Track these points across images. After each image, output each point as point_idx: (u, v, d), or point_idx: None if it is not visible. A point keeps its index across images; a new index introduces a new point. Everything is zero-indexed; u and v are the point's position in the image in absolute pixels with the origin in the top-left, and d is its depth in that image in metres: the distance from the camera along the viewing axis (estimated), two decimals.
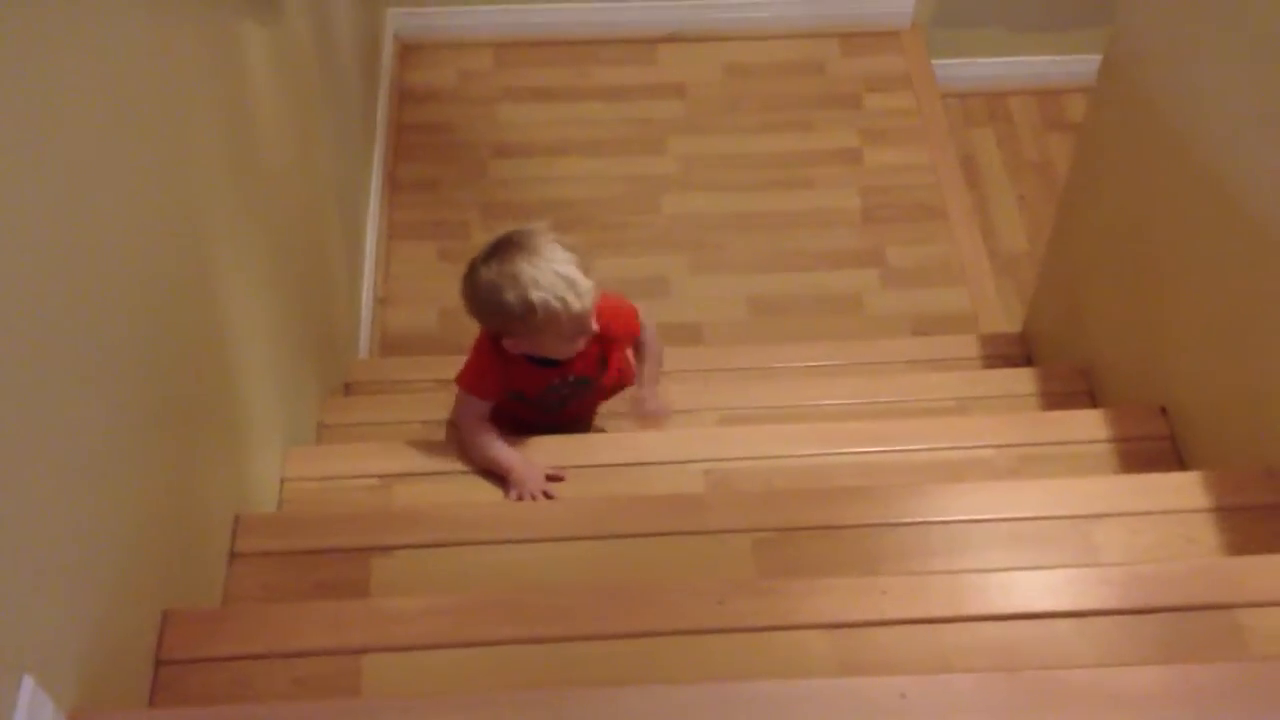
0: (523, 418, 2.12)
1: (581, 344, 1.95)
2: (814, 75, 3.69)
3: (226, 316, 1.73)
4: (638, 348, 2.21)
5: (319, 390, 2.35)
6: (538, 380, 2.03)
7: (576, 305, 1.83)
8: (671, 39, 3.74)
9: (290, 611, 1.51)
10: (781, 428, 2.24)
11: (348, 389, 2.61)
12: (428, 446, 2.16)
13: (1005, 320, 3.10)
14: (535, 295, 1.81)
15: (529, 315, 1.83)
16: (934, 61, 3.73)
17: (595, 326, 1.92)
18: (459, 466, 2.03)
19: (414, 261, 3.22)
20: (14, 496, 1.07)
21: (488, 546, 1.71)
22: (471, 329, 2.04)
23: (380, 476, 2.01)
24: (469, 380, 2.02)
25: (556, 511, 1.81)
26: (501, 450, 1.99)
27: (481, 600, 1.51)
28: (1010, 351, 2.71)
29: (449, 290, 3.06)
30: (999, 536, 1.73)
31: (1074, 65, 3.53)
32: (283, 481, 2.00)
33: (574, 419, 2.22)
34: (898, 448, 2.07)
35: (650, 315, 2.21)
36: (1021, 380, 2.42)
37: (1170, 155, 1.98)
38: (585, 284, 1.84)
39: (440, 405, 2.31)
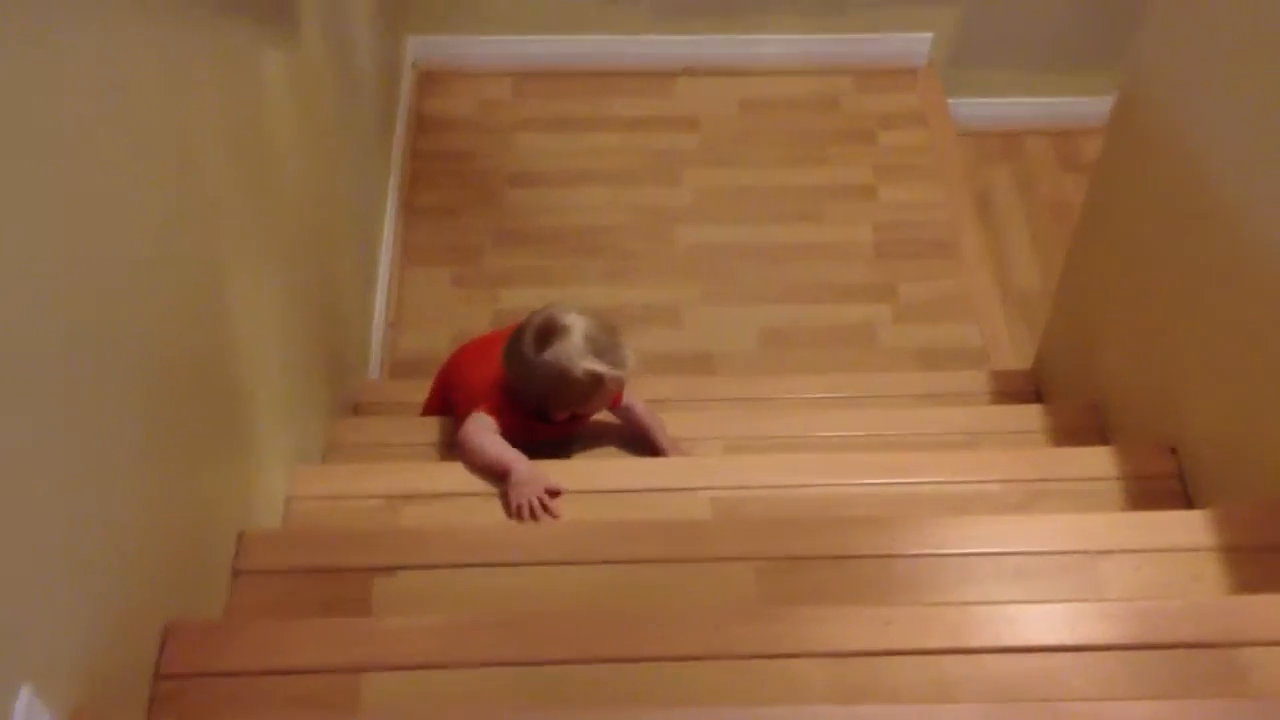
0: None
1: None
2: (829, 111, 3.71)
3: (236, 335, 1.74)
4: (633, 424, 2.29)
5: (328, 410, 2.36)
6: (533, 434, 2.17)
7: (630, 367, 2.11)
8: (688, 73, 3.76)
9: (290, 628, 1.51)
10: (789, 457, 2.23)
11: (357, 409, 2.61)
12: (434, 468, 2.18)
13: (1016, 357, 3.10)
14: (600, 369, 2.06)
15: (596, 385, 2.08)
16: (950, 100, 3.75)
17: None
18: (465, 488, 2.03)
19: (427, 286, 3.24)
20: (16, 505, 1.07)
21: (490, 569, 1.71)
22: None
23: (386, 497, 2.01)
24: (475, 401, 2.16)
25: (560, 535, 1.81)
26: (506, 450, 2.05)
27: (480, 621, 1.51)
28: (1020, 388, 2.70)
29: (461, 315, 3.12)
30: (1004, 570, 1.72)
31: (1090, 106, 3.54)
32: (289, 500, 2.00)
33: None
34: (906, 480, 2.07)
35: (639, 392, 2.32)
36: (1031, 416, 2.41)
37: (1182, 193, 1.99)
38: (624, 346, 2.11)
39: (448, 428, 2.32)
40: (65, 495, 1.17)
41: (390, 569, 1.71)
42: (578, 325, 2.08)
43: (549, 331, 2.08)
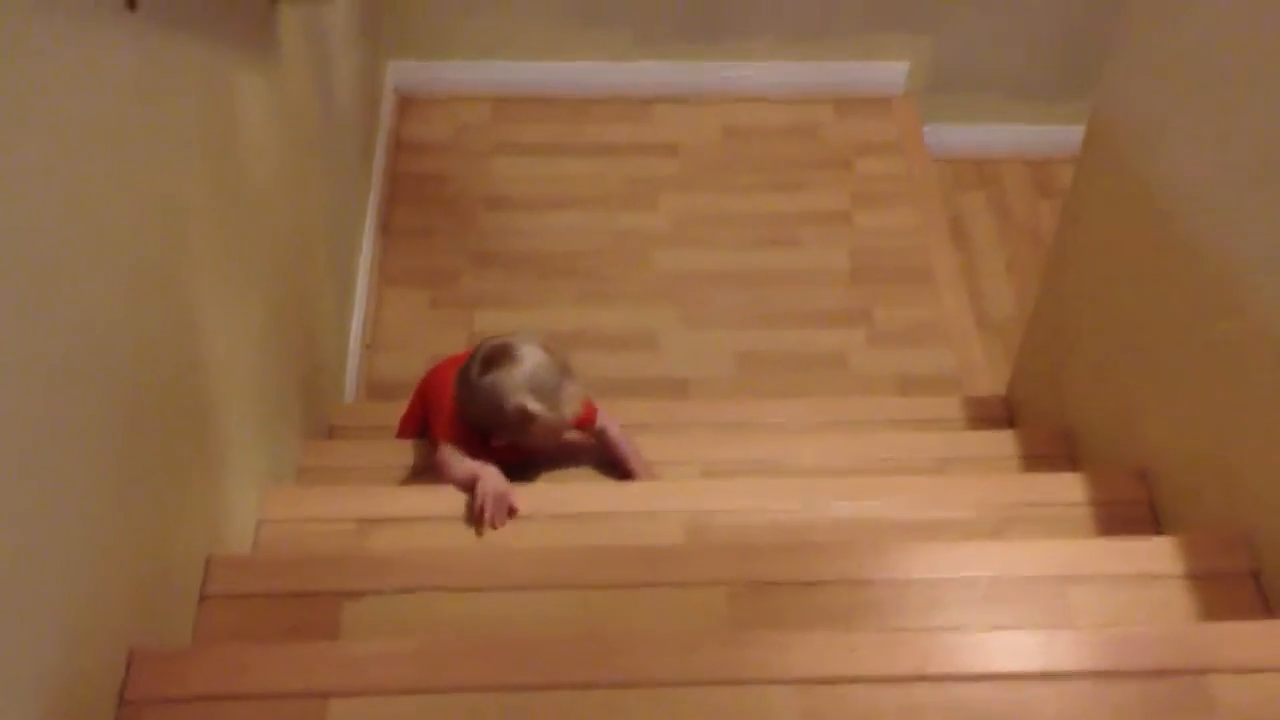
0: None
1: (561, 439, 2.18)
2: (807, 138, 3.73)
3: (207, 357, 1.73)
4: (607, 445, 2.29)
5: (302, 433, 2.35)
6: (507, 455, 2.16)
7: (566, 413, 2.11)
8: (667, 99, 3.78)
9: (255, 653, 1.50)
10: (762, 482, 2.24)
11: (332, 432, 2.61)
12: (406, 492, 2.18)
13: (990, 383, 3.11)
14: (531, 406, 2.07)
15: (525, 422, 2.09)
16: (926, 126, 3.78)
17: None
18: (437, 512, 2.03)
19: (404, 309, 3.23)
20: None
21: (460, 594, 1.71)
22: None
23: (357, 520, 2.00)
24: (448, 436, 2.17)
25: (530, 559, 1.80)
26: (472, 463, 2.07)
27: (448, 647, 1.50)
28: (994, 414, 2.71)
29: (437, 338, 3.12)
30: (973, 596, 1.72)
31: (1065, 134, 3.53)
32: (259, 523, 1.99)
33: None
34: (877, 505, 2.07)
35: (614, 416, 2.32)
36: (1003, 442, 2.42)
37: (1149, 224, 2.00)
38: (572, 390, 2.11)
39: (420, 450, 2.32)
40: (23, 518, 1.16)
41: (359, 593, 1.70)
42: (527, 359, 2.08)
43: (496, 358, 2.09)
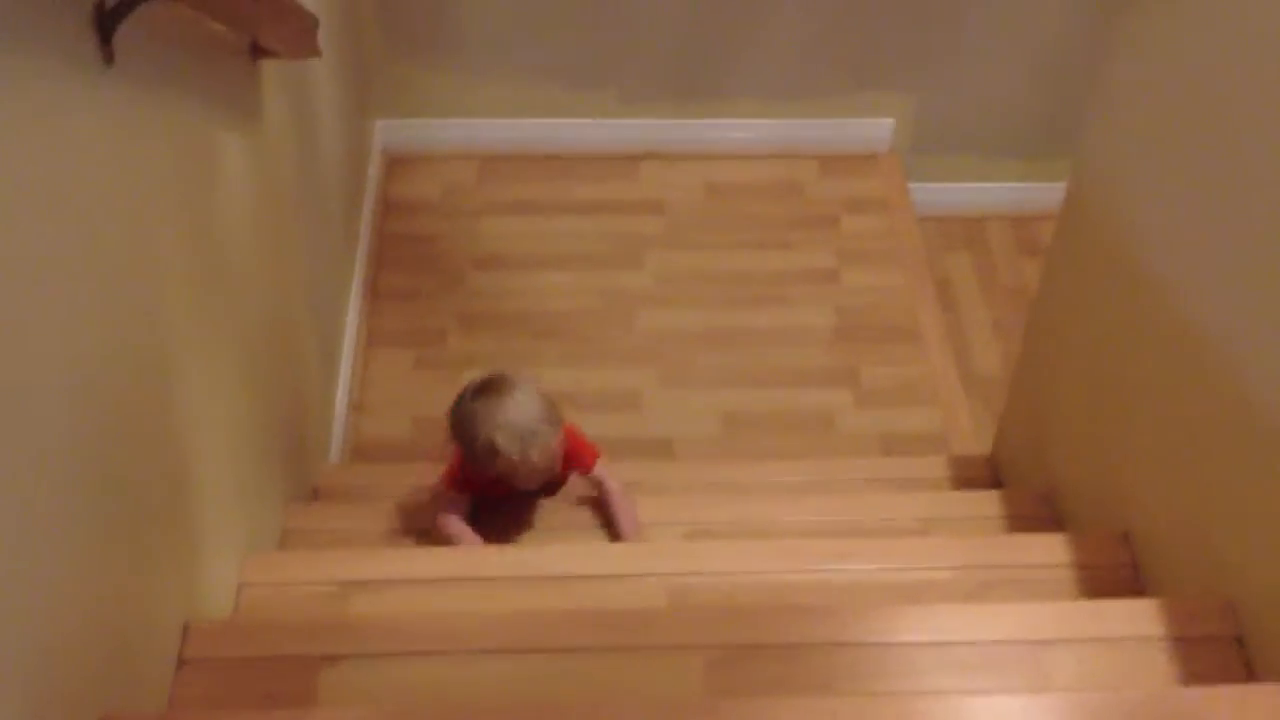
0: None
1: (535, 482, 2.23)
2: (793, 196, 3.75)
3: (185, 422, 1.73)
4: (605, 496, 2.33)
5: (285, 495, 2.35)
6: (503, 492, 2.28)
7: (532, 457, 2.14)
8: (652, 156, 3.80)
9: None
10: (745, 544, 2.24)
11: (316, 494, 2.60)
12: (390, 555, 2.17)
13: (976, 442, 3.11)
14: (499, 442, 2.12)
15: (489, 457, 2.14)
16: (911, 185, 3.80)
17: (557, 468, 2.24)
18: (420, 575, 2.03)
19: (391, 369, 3.24)
20: None
21: (436, 657, 1.70)
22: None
23: (340, 583, 2.00)
24: (449, 480, 2.28)
25: (509, 624, 1.79)
26: (463, 533, 2.23)
27: (422, 713, 1.50)
28: (978, 474, 2.72)
29: (424, 398, 3.12)
30: (952, 660, 1.72)
31: (1049, 193, 3.53)
32: (241, 586, 1.98)
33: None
34: (860, 566, 2.07)
35: (617, 473, 2.37)
36: (986, 503, 2.42)
37: (1128, 286, 2.02)
38: (545, 439, 2.14)
39: (407, 513, 2.32)
40: None
41: (334, 658, 1.69)
42: (515, 397, 2.15)
43: (488, 389, 2.17)
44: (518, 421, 2.13)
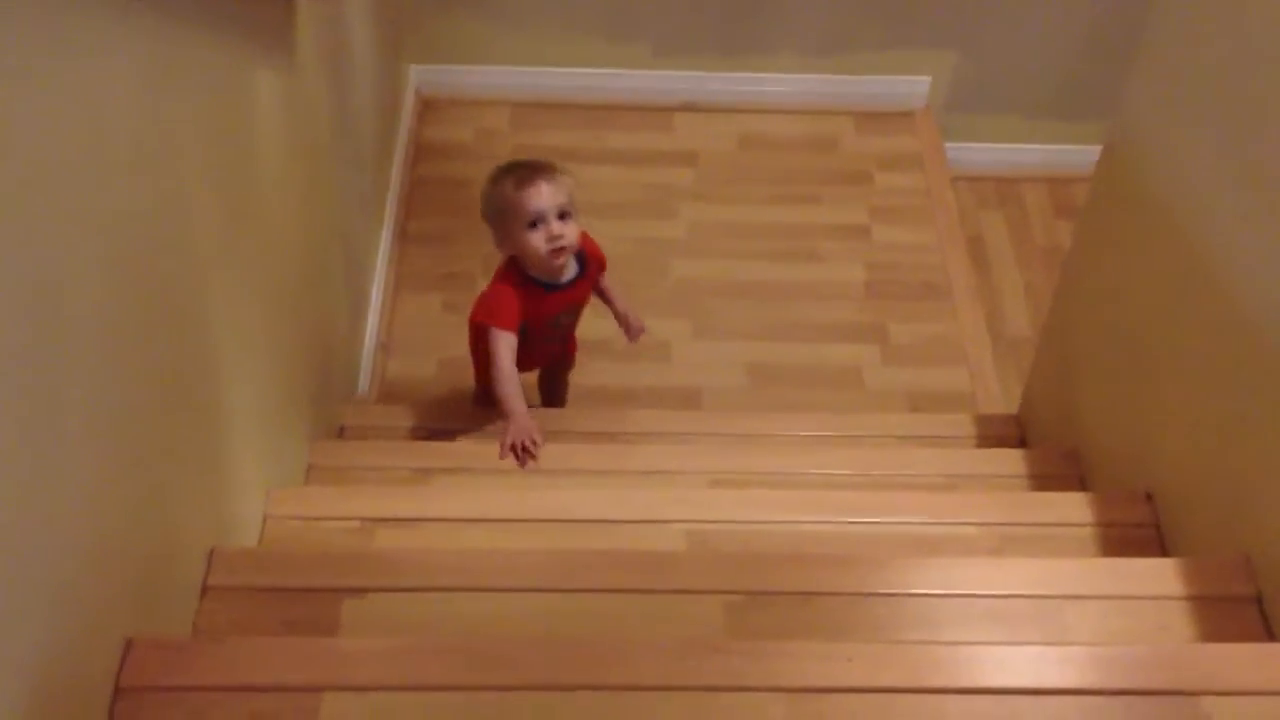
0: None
1: (560, 237, 2.28)
2: (827, 151, 3.73)
3: (216, 356, 1.74)
4: (607, 292, 2.58)
5: (311, 432, 2.37)
6: (547, 307, 2.40)
7: (537, 198, 2.25)
8: (687, 108, 3.79)
9: (252, 646, 1.51)
10: (767, 493, 2.24)
11: (342, 432, 2.62)
12: (413, 492, 2.19)
13: (1003, 402, 3.10)
14: (507, 184, 2.28)
15: (497, 198, 2.29)
16: (947, 144, 3.77)
17: (575, 235, 2.31)
18: (440, 513, 2.04)
19: (418, 312, 3.25)
20: None
21: (459, 594, 1.71)
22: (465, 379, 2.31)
23: (362, 519, 2.02)
24: (492, 315, 2.34)
25: (531, 563, 1.81)
26: (516, 400, 2.30)
27: (442, 645, 1.51)
28: (1004, 433, 2.71)
29: (450, 340, 3.13)
30: (972, 613, 1.72)
31: (1086, 154, 3.49)
32: (266, 518, 2.01)
33: (561, 355, 2.73)
34: (882, 520, 2.07)
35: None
36: (1011, 461, 2.41)
37: (1163, 246, 2.00)
38: (551, 187, 2.27)
39: (430, 453, 2.34)
40: (15, 495, 1.17)
41: (360, 590, 1.71)
42: (530, 165, 2.30)
43: (515, 163, 2.34)
44: (529, 173, 2.28)
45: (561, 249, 2.29)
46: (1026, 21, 3.57)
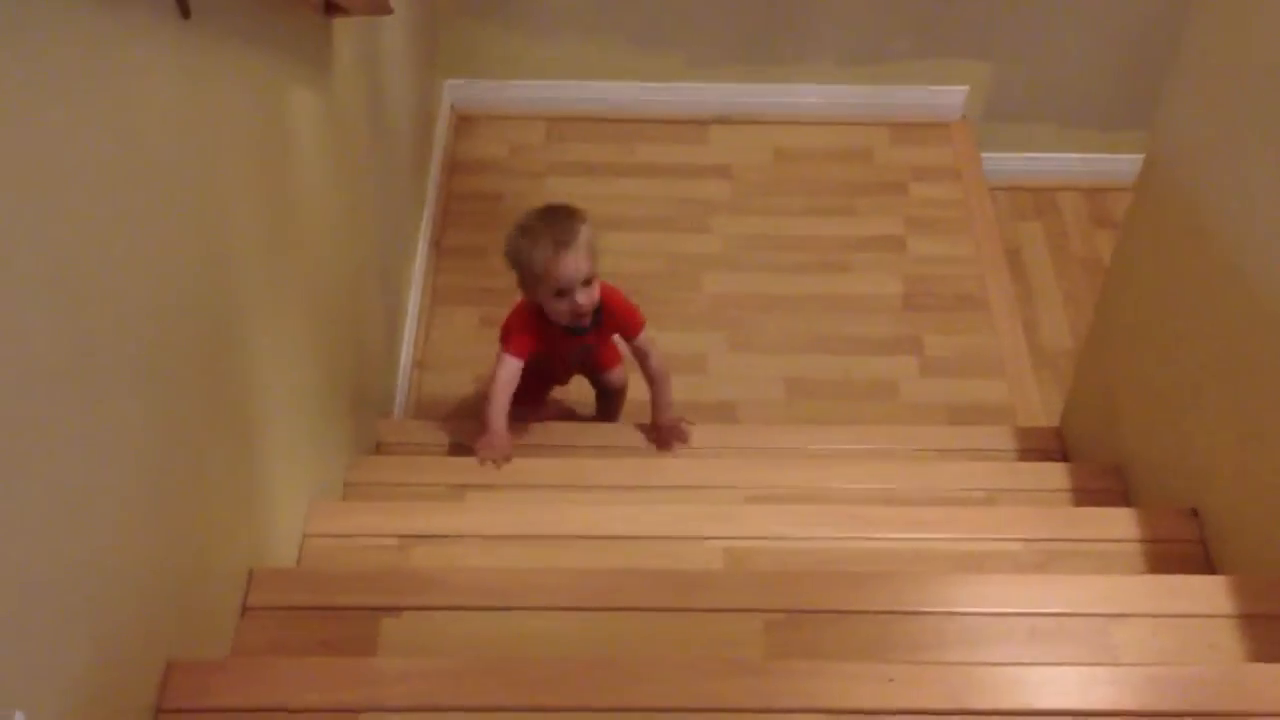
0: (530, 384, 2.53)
1: (583, 309, 2.33)
2: (862, 162, 3.71)
3: (254, 375, 1.75)
4: (645, 370, 2.55)
5: (348, 448, 2.37)
6: (563, 347, 2.48)
7: (564, 271, 2.27)
8: (720, 121, 3.78)
9: (291, 666, 1.51)
10: (806, 509, 2.22)
11: (379, 448, 2.62)
12: (448, 509, 2.18)
13: (1044, 415, 3.07)
14: (535, 252, 2.28)
15: (526, 261, 2.31)
16: (984, 154, 3.75)
17: (594, 298, 2.34)
18: (477, 530, 2.04)
19: (454, 327, 3.25)
20: (8, 533, 1.07)
21: (496, 613, 1.71)
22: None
23: (399, 536, 2.02)
24: (507, 339, 2.44)
25: (569, 581, 1.80)
26: (499, 419, 2.39)
27: (478, 666, 1.50)
28: (1046, 446, 2.68)
29: (487, 357, 3.11)
30: (1016, 631, 1.70)
31: (1124, 164, 3.50)
32: (305, 537, 2.01)
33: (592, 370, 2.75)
34: (924, 536, 2.06)
35: (660, 346, 2.56)
36: (1054, 475, 2.39)
37: (1206, 257, 1.97)
38: (576, 257, 2.27)
39: (465, 470, 2.33)
40: (64, 527, 1.17)
41: (397, 609, 1.71)
42: (566, 214, 2.31)
43: (546, 209, 2.35)
44: (556, 238, 2.27)
45: (583, 315, 2.36)
46: (1063, 30, 3.54)
